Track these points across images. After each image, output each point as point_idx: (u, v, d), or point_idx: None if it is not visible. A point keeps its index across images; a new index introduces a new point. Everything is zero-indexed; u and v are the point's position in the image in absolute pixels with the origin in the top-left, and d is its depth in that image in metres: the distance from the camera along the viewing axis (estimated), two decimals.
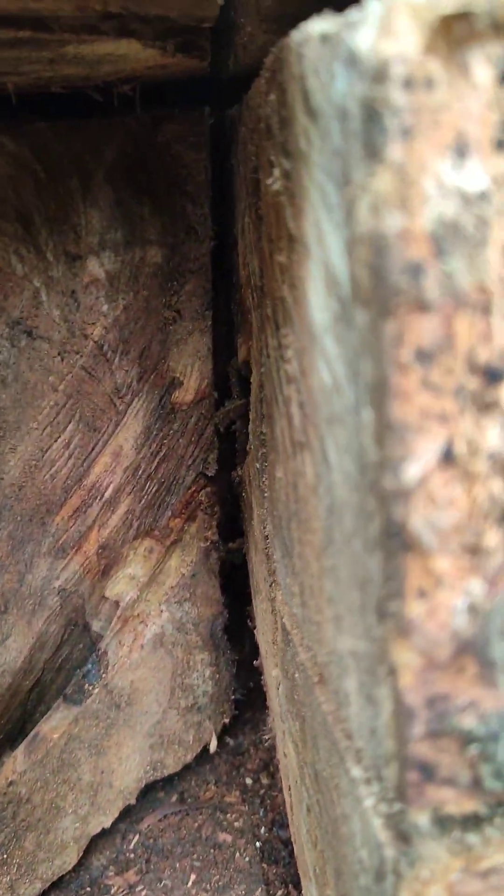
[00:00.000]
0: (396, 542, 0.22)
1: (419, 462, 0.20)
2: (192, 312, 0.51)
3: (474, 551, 0.21)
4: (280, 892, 0.52)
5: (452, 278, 0.19)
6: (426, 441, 0.21)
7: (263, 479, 0.42)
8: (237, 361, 0.53)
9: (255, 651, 0.63)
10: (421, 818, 0.25)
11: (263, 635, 0.54)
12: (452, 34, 0.20)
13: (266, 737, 0.62)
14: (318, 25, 0.23)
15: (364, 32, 0.20)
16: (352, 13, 0.21)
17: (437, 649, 0.22)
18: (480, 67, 0.20)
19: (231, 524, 0.62)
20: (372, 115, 0.20)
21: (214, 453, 0.57)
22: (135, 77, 0.41)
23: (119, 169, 0.44)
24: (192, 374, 0.52)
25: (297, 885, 0.53)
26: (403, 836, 0.25)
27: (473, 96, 0.20)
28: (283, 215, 0.30)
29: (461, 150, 0.19)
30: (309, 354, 0.28)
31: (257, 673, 0.63)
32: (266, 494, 0.42)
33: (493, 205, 0.19)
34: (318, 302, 0.26)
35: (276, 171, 0.29)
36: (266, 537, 0.44)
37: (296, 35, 0.25)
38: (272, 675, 0.50)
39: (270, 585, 0.44)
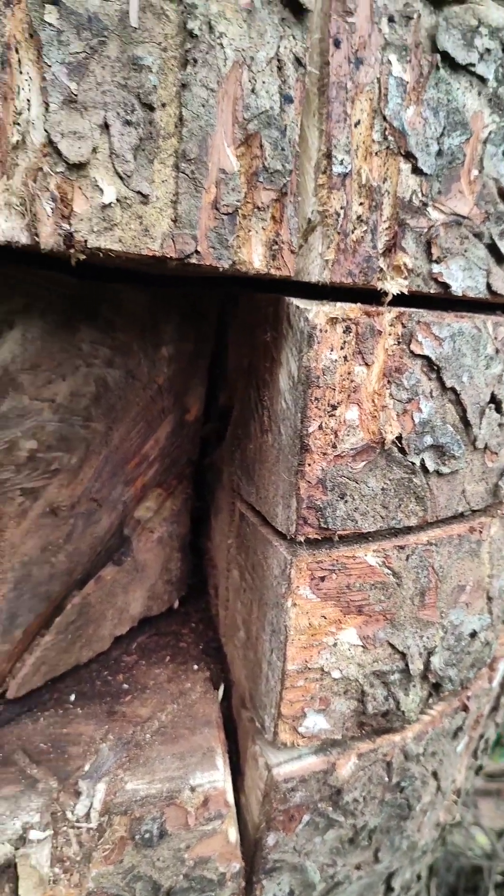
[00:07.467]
0: (303, 450, 0.71)
1: (314, 426, 0.70)
2: (199, 376, 0.99)
3: (327, 453, 0.71)
4: (212, 666, 0.98)
5: (330, 376, 0.70)
6: (316, 422, 0.71)
7: (236, 453, 0.91)
8: (217, 404, 1.02)
9: (201, 562, 1.11)
10: (300, 539, 0.73)
11: (219, 534, 1.01)
12: (336, 344, 0.71)
13: (202, 606, 1.10)
14: (297, 301, 0.74)
15: (311, 313, 0.70)
16: (310, 303, 0.72)
17: (313, 480, 0.72)
18: (339, 327, 0.71)
19: (196, 488, 1.10)
20: (310, 334, 0.70)
21: (198, 448, 1.05)
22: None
23: (181, 314, 0.93)
24: (194, 406, 1.00)
25: (220, 663, 1.00)
26: (294, 551, 0.74)
27: (336, 334, 0.71)
28: (269, 349, 0.79)
29: (331, 351, 0.70)
30: (276, 398, 0.77)
31: (200, 575, 1.11)
32: (236, 458, 0.91)
33: (338, 372, 0.70)
34: (284, 381, 0.75)
35: (268, 334, 0.80)
36: (232, 479, 0.93)
37: (290, 299, 0.74)
38: (224, 546, 0.96)
39: (232, 500, 0.92)
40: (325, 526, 0.70)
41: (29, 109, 0.57)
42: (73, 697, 0.88)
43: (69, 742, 0.80)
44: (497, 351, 0.78)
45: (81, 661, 0.93)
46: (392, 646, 0.78)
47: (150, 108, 0.58)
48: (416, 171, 0.70)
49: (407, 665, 0.79)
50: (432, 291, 0.73)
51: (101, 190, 0.58)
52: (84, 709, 0.86)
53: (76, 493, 0.85)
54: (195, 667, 0.96)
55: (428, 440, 0.73)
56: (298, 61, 0.64)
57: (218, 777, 0.76)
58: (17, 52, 0.56)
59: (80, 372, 0.80)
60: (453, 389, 0.74)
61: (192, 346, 0.94)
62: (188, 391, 0.96)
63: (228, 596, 0.94)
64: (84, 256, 0.60)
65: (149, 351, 0.89)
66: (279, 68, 0.63)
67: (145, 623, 1.03)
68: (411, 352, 0.71)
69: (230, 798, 0.77)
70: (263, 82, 0.62)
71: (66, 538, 0.85)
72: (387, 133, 0.68)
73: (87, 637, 0.92)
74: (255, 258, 0.65)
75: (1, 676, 0.84)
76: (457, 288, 0.74)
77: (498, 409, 0.80)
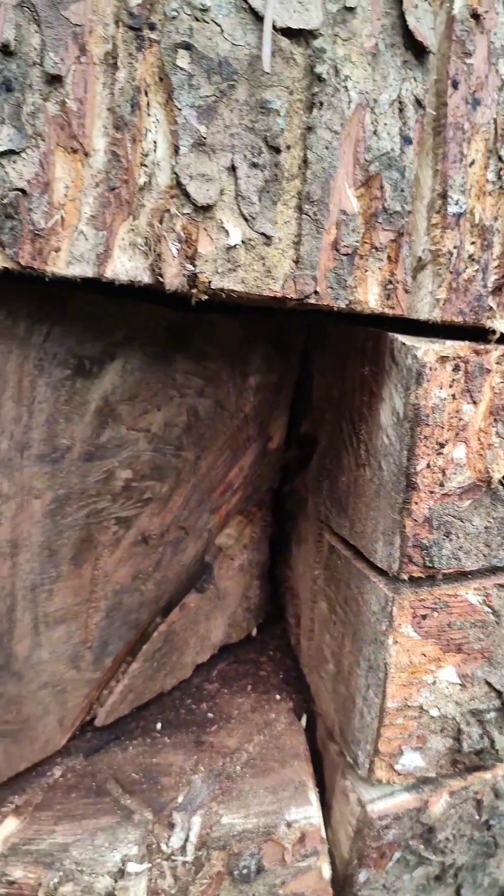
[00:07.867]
0: (410, 488, 0.71)
1: (422, 464, 0.70)
2: (282, 405, 1.00)
3: (434, 492, 0.71)
4: (294, 696, 0.98)
5: (439, 415, 0.70)
6: (424, 461, 0.70)
7: (323, 484, 0.91)
8: (299, 432, 1.02)
9: (277, 589, 1.11)
10: (403, 577, 0.73)
11: (303, 564, 1.01)
12: (445, 382, 0.71)
13: (278, 634, 1.10)
14: (403, 338, 0.74)
15: (420, 351, 0.70)
16: (417, 341, 0.72)
17: (420, 519, 0.72)
18: (449, 365, 0.71)
19: (274, 515, 1.10)
20: (419, 372, 0.70)
21: (279, 476, 1.05)
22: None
23: (268, 344, 0.93)
24: (276, 435, 1.00)
25: (301, 692, 0.99)
26: (396, 589, 0.74)
27: (445, 372, 0.71)
28: (366, 383, 0.80)
29: (440, 389, 0.70)
30: (376, 433, 0.77)
31: (275, 602, 1.11)
32: (324, 489, 0.91)
33: (446, 410, 0.70)
34: (385, 417, 0.75)
35: (366, 368, 0.80)
36: (319, 509, 0.93)
37: (393, 335, 0.75)
38: (309, 577, 0.96)
39: (319, 530, 0.92)
40: (431, 565, 0.70)
41: (155, 151, 0.57)
42: (159, 726, 0.88)
43: (160, 772, 0.80)
44: None
45: (165, 689, 0.93)
46: (489, 684, 0.77)
47: (276, 150, 0.59)
48: None
49: (503, 703, 0.78)
50: None
51: (227, 231, 0.59)
52: (171, 738, 0.86)
53: (166, 521, 0.85)
54: (277, 696, 0.96)
55: None
56: (419, 103, 0.64)
57: (312, 812, 0.76)
58: (146, 94, 0.56)
59: (173, 402, 0.81)
60: None
61: (278, 376, 0.94)
62: (272, 420, 0.96)
63: (314, 627, 0.94)
64: (206, 297, 0.61)
65: (237, 380, 0.89)
66: (400, 110, 0.63)
67: (224, 651, 1.03)
68: None
69: (324, 834, 0.76)
70: (385, 124, 0.62)
71: (156, 566, 0.86)
72: (501, 173, 0.68)
73: (171, 665, 0.93)
74: (370, 297, 0.65)
75: (90, 704, 0.85)
76: None
77: None
